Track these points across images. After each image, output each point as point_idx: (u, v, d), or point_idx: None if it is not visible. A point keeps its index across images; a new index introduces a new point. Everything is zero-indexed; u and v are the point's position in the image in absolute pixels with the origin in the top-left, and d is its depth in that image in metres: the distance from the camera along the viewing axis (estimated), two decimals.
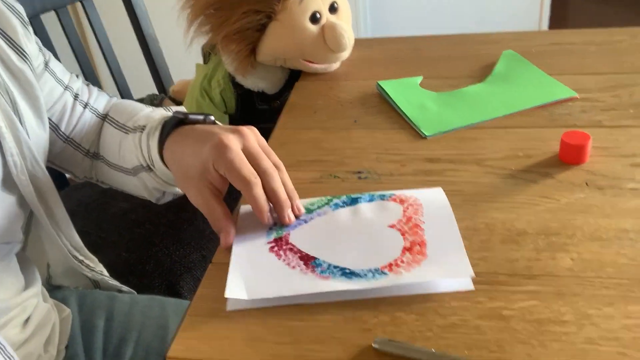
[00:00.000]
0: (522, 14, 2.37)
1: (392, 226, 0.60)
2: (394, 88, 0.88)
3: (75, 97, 0.75)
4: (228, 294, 0.53)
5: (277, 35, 0.92)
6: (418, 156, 0.73)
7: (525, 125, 0.77)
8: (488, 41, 1.02)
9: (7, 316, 0.63)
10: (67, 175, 0.98)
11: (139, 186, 0.74)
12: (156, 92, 1.34)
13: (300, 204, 0.62)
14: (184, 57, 0.99)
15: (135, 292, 0.82)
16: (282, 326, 0.51)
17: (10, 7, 0.65)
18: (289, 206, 0.60)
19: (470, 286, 0.53)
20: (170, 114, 0.70)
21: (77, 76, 0.78)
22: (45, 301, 0.71)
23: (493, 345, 0.47)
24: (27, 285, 0.68)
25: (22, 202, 0.64)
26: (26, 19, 0.68)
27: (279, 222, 0.61)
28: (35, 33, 0.73)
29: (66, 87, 0.74)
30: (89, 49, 1.92)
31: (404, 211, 0.62)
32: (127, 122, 0.74)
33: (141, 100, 1.23)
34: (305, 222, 0.62)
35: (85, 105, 0.76)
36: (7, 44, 0.64)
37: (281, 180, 0.60)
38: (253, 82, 1.00)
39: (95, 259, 0.79)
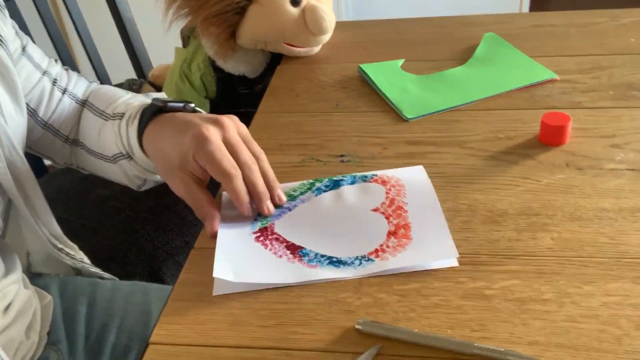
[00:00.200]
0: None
1: (375, 210, 0.60)
2: (375, 71, 0.87)
3: (54, 82, 0.74)
4: (216, 274, 0.53)
5: (257, 18, 0.91)
6: (400, 139, 0.73)
7: (506, 107, 0.77)
8: (469, 24, 1.02)
9: None
10: (47, 162, 0.97)
11: (120, 174, 0.73)
12: (135, 76, 1.32)
13: (282, 193, 0.62)
14: (163, 41, 0.98)
15: (118, 279, 0.82)
16: (265, 309, 0.51)
17: None
18: (268, 198, 0.60)
19: (454, 263, 0.53)
20: (149, 101, 0.69)
21: (55, 61, 0.77)
22: (26, 288, 0.71)
23: (475, 324, 0.47)
24: (8, 272, 0.67)
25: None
26: (1, 1, 0.66)
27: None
28: (11, 16, 0.71)
29: (44, 72, 0.73)
30: (66, 33, 1.88)
31: (387, 193, 0.62)
32: (106, 108, 0.73)
33: (120, 85, 1.22)
34: (289, 210, 0.62)
35: (64, 91, 0.75)
36: None
37: (262, 169, 0.60)
38: (234, 66, 0.99)
39: (76, 247, 0.78)
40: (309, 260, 0.55)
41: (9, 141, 0.63)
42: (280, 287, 0.53)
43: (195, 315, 0.51)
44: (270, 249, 0.57)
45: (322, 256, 0.55)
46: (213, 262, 0.55)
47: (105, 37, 1.39)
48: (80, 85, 0.77)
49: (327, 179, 0.65)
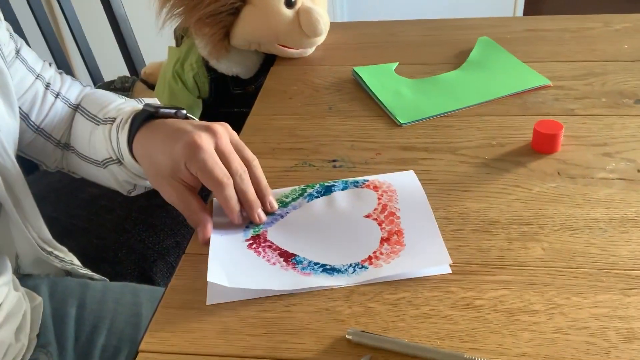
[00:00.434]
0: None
1: (368, 216, 0.60)
2: (369, 74, 0.87)
3: (47, 86, 0.73)
4: (210, 278, 0.53)
5: (252, 20, 0.90)
6: (393, 144, 0.73)
7: (499, 113, 0.77)
8: (463, 27, 1.02)
9: None
10: None
11: (110, 178, 0.73)
12: (128, 74, 1.31)
13: (274, 200, 0.62)
14: (156, 39, 0.97)
15: (108, 280, 0.81)
16: (255, 318, 0.50)
17: None
18: (259, 206, 0.60)
19: (447, 270, 0.53)
20: (141, 106, 0.68)
21: (49, 64, 0.76)
22: (15, 290, 0.70)
23: (465, 335, 0.48)
24: None
25: None
26: None
27: None
28: (3, 11, 0.70)
29: (37, 76, 0.72)
30: (59, 29, 1.87)
31: (379, 199, 0.62)
32: (98, 113, 0.73)
33: (112, 83, 1.21)
34: (282, 217, 0.61)
35: (57, 95, 0.74)
36: None
37: (255, 175, 0.60)
38: (227, 66, 0.99)
39: (65, 249, 0.77)
40: (303, 268, 0.55)
41: (1, 144, 0.62)
42: (271, 296, 0.52)
43: (185, 323, 0.50)
44: (264, 257, 0.57)
45: (316, 264, 0.55)
46: (205, 268, 0.54)
47: (98, 34, 1.39)
48: (73, 89, 0.77)
49: (318, 185, 0.65)
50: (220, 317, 0.51)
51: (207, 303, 0.52)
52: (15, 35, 0.71)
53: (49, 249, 0.74)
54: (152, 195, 1.04)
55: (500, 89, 0.82)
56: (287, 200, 0.64)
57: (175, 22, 0.94)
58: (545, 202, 0.61)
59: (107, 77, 1.27)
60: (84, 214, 1.02)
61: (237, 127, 0.74)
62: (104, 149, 0.70)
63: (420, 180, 0.65)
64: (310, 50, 0.97)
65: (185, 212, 0.60)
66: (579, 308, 0.49)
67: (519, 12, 2.41)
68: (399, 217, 0.60)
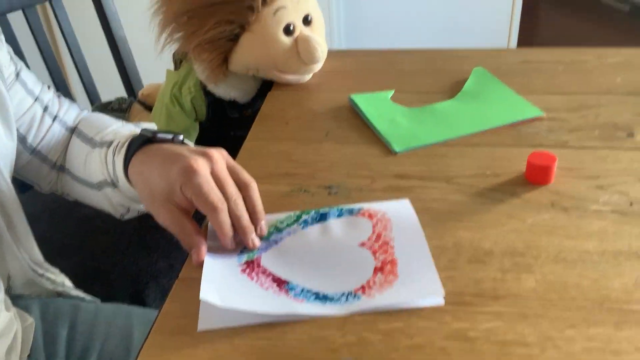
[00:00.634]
0: (492, 28, 2.41)
1: (362, 244, 0.60)
2: (365, 102, 0.88)
3: (45, 109, 0.74)
4: (203, 295, 0.53)
5: (250, 46, 0.91)
6: (388, 172, 0.73)
7: (493, 143, 0.78)
8: (459, 57, 1.04)
9: None
10: None
11: (103, 201, 0.73)
12: (125, 95, 1.32)
13: (265, 225, 0.62)
14: (154, 60, 0.98)
15: (100, 301, 0.81)
16: (248, 345, 0.50)
17: None
18: (252, 232, 0.60)
19: (441, 302, 0.53)
20: (138, 131, 0.69)
21: (48, 87, 0.77)
22: (7, 310, 0.70)
23: None
24: None
25: None
26: None
27: None
28: (3, 31, 0.71)
29: (36, 99, 0.73)
30: (58, 49, 1.88)
31: (373, 227, 0.63)
32: (95, 136, 0.73)
33: (109, 103, 1.21)
34: (276, 243, 0.62)
35: (55, 118, 0.75)
36: None
37: (251, 198, 0.60)
38: (224, 90, 1.00)
39: (57, 271, 0.77)
40: (296, 295, 0.55)
41: None
42: (264, 324, 0.52)
43: (177, 350, 0.50)
44: (257, 281, 0.57)
45: (309, 291, 0.55)
46: (198, 293, 0.54)
47: (97, 54, 1.40)
48: (71, 112, 0.77)
49: (313, 211, 0.65)
50: (212, 344, 0.50)
51: (199, 329, 0.52)
52: (16, 58, 0.72)
53: (41, 271, 0.74)
54: (146, 216, 1.04)
55: (495, 119, 0.83)
56: (282, 226, 0.64)
57: (175, 46, 0.95)
58: (539, 234, 0.61)
59: (105, 97, 1.27)
60: (78, 233, 1.02)
61: (234, 151, 0.74)
62: (99, 172, 0.70)
63: (414, 208, 0.65)
64: (307, 77, 0.98)
65: (179, 235, 0.60)
66: (572, 341, 0.49)
67: (513, 42, 2.44)
68: (393, 247, 0.60)
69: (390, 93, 0.92)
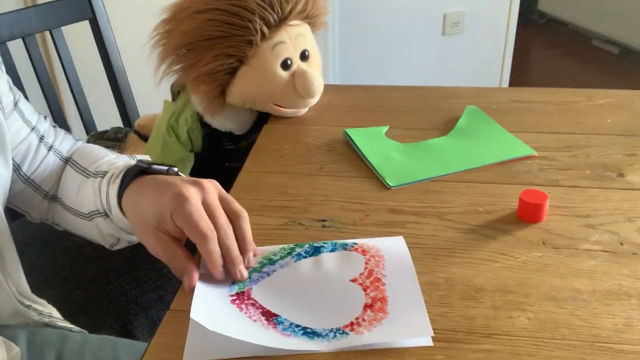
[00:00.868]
0: (485, 67, 2.46)
1: (353, 280, 0.60)
2: (360, 136, 0.89)
3: (41, 139, 0.74)
4: (193, 315, 0.52)
5: (248, 80, 0.92)
6: (381, 206, 0.74)
7: (486, 180, 0.79)
8: (452, 95, 1.05)
9: None
10: None
11: (94, 231, 0.73)
12: (121, 124, 1.32)
13: (253, 258, 0.62)
14: (151, 92, 0.99)
15: (87, 332, 0.80)
16: None
17: None
18: (241, 263, 0.60)
19: (429, 342, 0.53)
20: (133, 162, 0.69)
21: (45, 117, 0.77)
22: None
23: None
24: None
25: None
26: None
27: None
28: (2, 57, 0.72)
29: (33, 128, 0.74)
30: (55, 77, 1.89)
31: (366, 263, 0.63)
32: (89, 166, 0.74)
33: (105, 132, 1.22)
34: (268, 274, 0.62)
35: (50, 148, 0.75)
36: None
37: (241, 228, 0.60)
38: (221, 122, 1.00)
39: (44, 302, 0.76)
40: (284, 329, 0.55)
41: None
42: (251, 357, 0.52)
43: None
44: (246, 313, 0.56)
45: (297, 326, 0.55)
46: (188, 325, 0.54)
47: (94, 83, 1.40)
48: (66, 142, 0.78)
49: (307, 245, 0.66)
50: None
51: None
52: (15, 88, 0.72)
53: (28, 303, 0.73)
54: (137, 247, 1.03)
55: (487, 156, 0.84)
56: (275, 258, 0.64)
57: (173, 77, 0.96)
58: (530, 272, 0.62)
59: (101, 127, 1.28)
60: (67, 263, 1.01)
61: (228, 182, 0.75)
62: (91, 202, 0.70)
63: (407, 244, 0.65)
64: (303, 111, 0.99)
65: (170, 262, 0.60)
66: None
67: (505, 81, 2.48)
68: (384, 284, 0.60)
69: (385, 128, 0.93)
